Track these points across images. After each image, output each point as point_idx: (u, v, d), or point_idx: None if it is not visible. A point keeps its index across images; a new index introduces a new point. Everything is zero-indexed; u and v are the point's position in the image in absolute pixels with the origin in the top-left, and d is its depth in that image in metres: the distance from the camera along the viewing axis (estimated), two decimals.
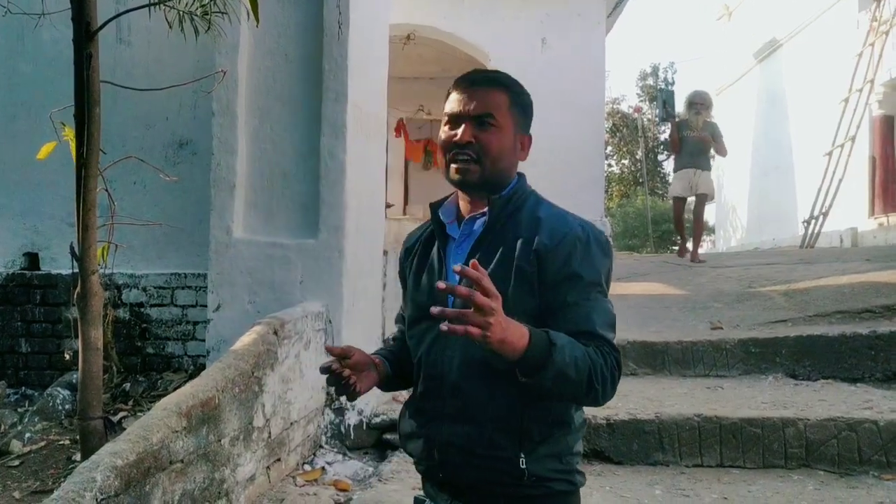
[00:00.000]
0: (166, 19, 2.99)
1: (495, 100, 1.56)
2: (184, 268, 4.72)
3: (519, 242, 1.50)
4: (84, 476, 2.10)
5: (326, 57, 3.99)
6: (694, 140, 8.43)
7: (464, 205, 1.62)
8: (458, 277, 1.37)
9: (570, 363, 1.32)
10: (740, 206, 17.67)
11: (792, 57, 14.88)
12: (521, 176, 1.64)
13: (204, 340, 4.21)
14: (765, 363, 4.40)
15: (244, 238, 4.02)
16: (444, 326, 1.20)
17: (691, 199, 9.00)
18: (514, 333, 1.27)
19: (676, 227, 9.59)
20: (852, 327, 4.50)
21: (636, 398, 3.88)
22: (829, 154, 11.94)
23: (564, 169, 8.73)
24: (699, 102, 8.65)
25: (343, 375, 1.48)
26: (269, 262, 3.99)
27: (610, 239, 1.62)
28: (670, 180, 8.86)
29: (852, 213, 12.26)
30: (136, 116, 4.89)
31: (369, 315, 4.37)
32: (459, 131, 1.54)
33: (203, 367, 4.38)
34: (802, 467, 3.41)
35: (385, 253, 4.65)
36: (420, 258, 1.67)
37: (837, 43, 13.00)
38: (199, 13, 2.69)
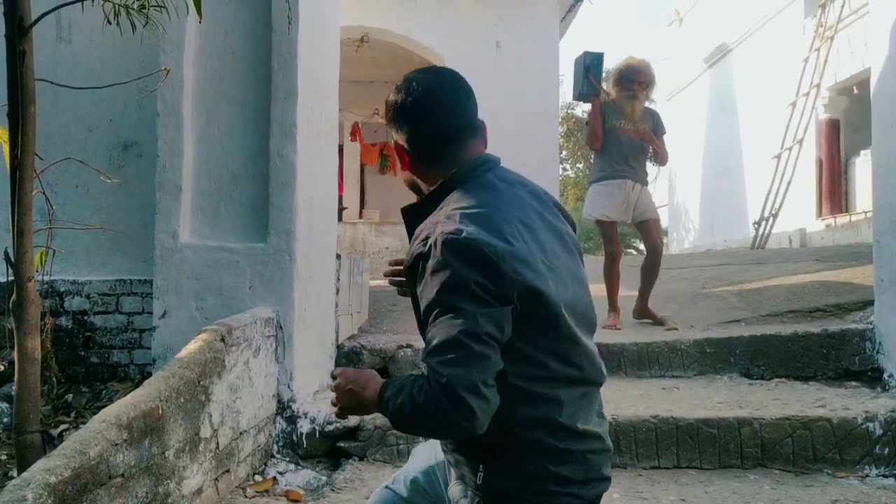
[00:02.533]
0: (104, 13, 2.87)
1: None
2: (129, 274, 4.55)
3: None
4: (14, 495, 1.97)
5: (275, 56, 3.89)
6: (629, 136, 5.30)
7: None
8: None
9: (395, 411, 1.44)
10: (692, 209, 17.93)
11: (741, 62, 15.15)
12: (448, 180, 1.65)
13: (150, 349, 4.07)
14: (720, 363, 4.41)
15: (191, 242, 3.90)
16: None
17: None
18: (366, 392, 1.54)
19: (609, 274, 5.36)
20: (804, 326, 4.54)
21: None
22: (778, 157, 12.18)
23: (519, 171, 8.72)
24: (639, 80, 5.30)
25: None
26: (216, 267, 3.87)
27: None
28: (589, 192, 5.65)
29: (801, 215, 12.51)
30: (79, 118, 4.71)
31: (322, 321, 4.27)
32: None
33: (150, 376, 4.23)
34: (758, 467, 3.41)
35: (338, 257, 4.56)
36: None
37: (784, 48, 13.26)
38: (135, 6, 2.58)
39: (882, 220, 4.19)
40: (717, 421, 3.49)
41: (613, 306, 5.32)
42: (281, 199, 3.87)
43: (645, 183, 5.45)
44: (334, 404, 1.62)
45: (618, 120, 5.35)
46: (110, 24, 2.88)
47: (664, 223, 21.30)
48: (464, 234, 1.44)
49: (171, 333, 3.86)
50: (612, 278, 5.33)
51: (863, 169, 12.06)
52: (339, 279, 4.55)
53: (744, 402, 3.75)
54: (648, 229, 5.44)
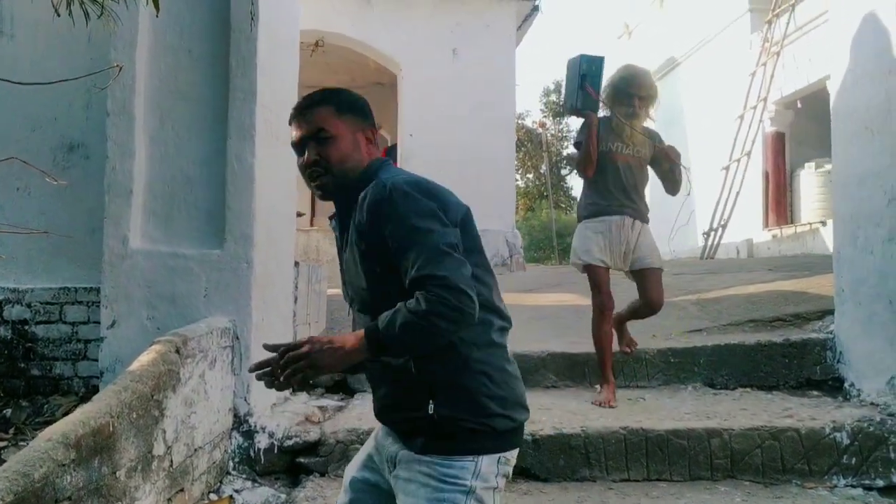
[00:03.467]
0: (53, 5, 2.69)
1: (321, 115, 1.78)
2: (74, 281, 4.32)
3: (352, 224, 1.72)
4: None
5: (234, 54, 3.73)
6: (627, 162, 4.17)
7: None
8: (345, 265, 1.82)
9: (401, 333, 1.52)
10: None
11: (690, 75, 15.41)
12: (371, 162, 1.81)
13: (97, 360, 3.85)
14: (684, 373, 4.39)
15: (142, 248, 3.70)
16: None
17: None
18: (349, 342, 1.57)
19: (598, 333, 4.13)
20: (766, 335, 4.55)
21: (559, 412, 3.77)
22: (727, 168, 12.38)
23: (475, 180, 8.66)
24: (640, 94, 4.16)
25: (276, 378, 1.63)
26: (170, 274, 3.68)
27: (414, 180, 1.71)
28: (577, 230, 4.34)
29: (748, 226, 12.74)
30: (22, 117, 4.46)
31: (280, 330, 4.10)
32: (305, 153, 1.78)
33: (96, 389, 4.01)
34: (728, 478, 3.37)
35: (296, 264, 4.40)
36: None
37: (732, 62, 13.53)
38: None
39: (842, 231, 4.23)
40: (686, 432, 3.44)
41: (606, 378, 4.06)
42: (238, 203, 3.70)
43: (646, 220, 4.23)
44: (297, 372, 1.58)
45: (614, 142, 4.16)
46: (59, 15, 2.70)
47: None
48: (415, 178, 1.73)
49: (121, 344, 3.65)
50: (602, 339, 4.09)
51: (807, 181, 12.36)
52: (297, 287, 4.39)
53: (711, 413, 3.72)
54: (649, 281, 4.16)
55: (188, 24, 3.80)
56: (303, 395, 4.24)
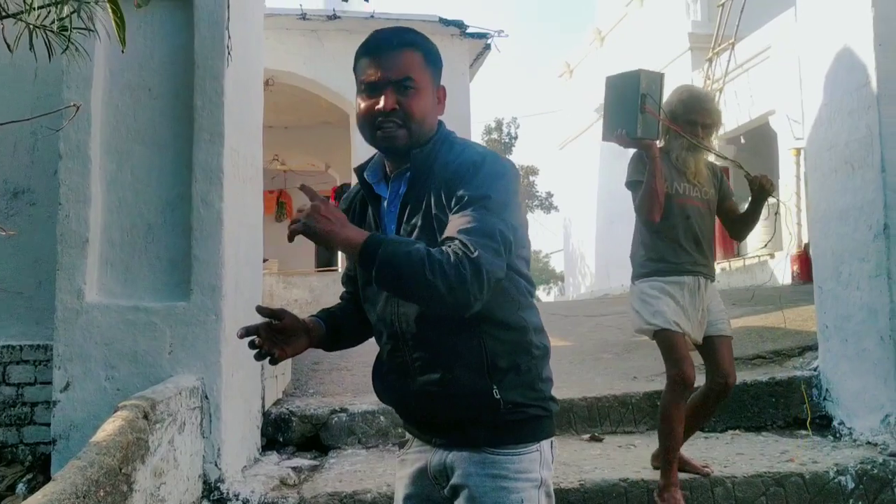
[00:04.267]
0: (4, 40, 2.43)
1: (411, 61, 1.59)
2: (19, 339, 3.95)
3: (433, 193, 1.56)
4: None
5: (199, 93, 3.49)
6: (697, 206, 3.39)
7: (391, 164, 1.67)
8: (393, 234, 1.60)
9: (401, 255, 1.38)
10: (588, 254, 18.27)
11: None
12: (440, 124, 1.68)
13: (46, 425, 3.51)
14: None
15: (99, 302, 3.39)
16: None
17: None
18: (353, 233, 1.43)
19: (674, 413, 3.26)
20: (750, 374, 4.47)
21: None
22: None
23: None
24: (704, 121, 3.41)
25: (261, 346, 1.58)
26: (130, 329, 3.38)
27: (513, 165, 1.62)
28: (637, 290, 3.44)
29: None
30: None
31: (249, 386, 3.83)
32: (381, 99, 1.56)
33: (45, 457, 3.67)
34: None
35: None
36: (358, 220, 1.70)
37: None
38: (55, 28, 2.17)
39: (823, 266, 4.18)
40: (688, 482, 3.29)
41: (670, 479, 3.18)
42: (205, 251, 3.44)
43: (713, 275, 3.47)
44: (297, 220, 1.44)
45: (680, 182, 3.35)
46: (12, 52, 2.44)
47: (559, 266, 21.61)
48: (510, 162, 1.62)
49: (76, 408, 3.32)
50: (675, 423, 3.23)
51: None
52: None
53: (708, 459, 3.58)
54: (721, 352, 3.35)
55: (148, 61, 3.56)
56: (274, 456, 3.95)
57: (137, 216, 3.49)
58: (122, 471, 2.59)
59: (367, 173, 1.70)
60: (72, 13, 2.18)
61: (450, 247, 1.42)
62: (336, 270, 12.24)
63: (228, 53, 3.35)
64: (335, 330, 1.76)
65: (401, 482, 1.72)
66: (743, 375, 4.46)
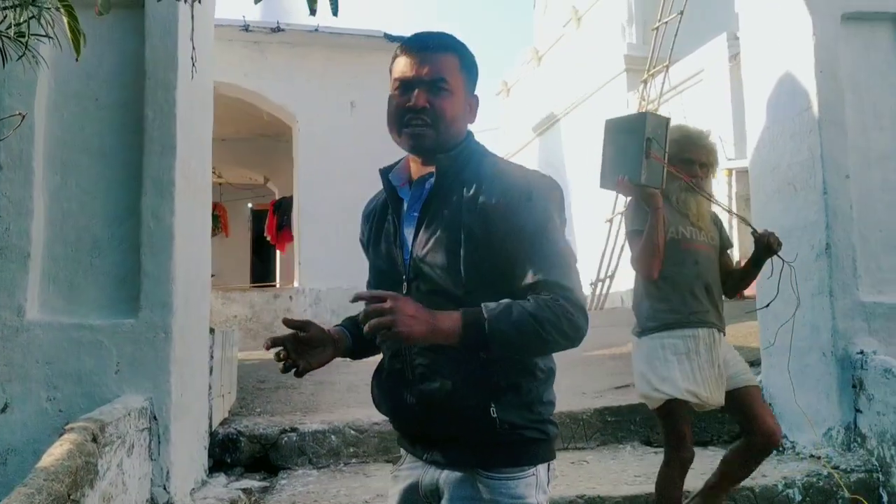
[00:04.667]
0: None
1: (447, 63, 1.59)
2: None
3: (464, 202, 1.53)
4: None
5: (150, 103, 3.39)
6: (705, 251, 3.12)
7: (415, 167, 1.66)
8: (410, 239, 1.58)
9: (509, 329, 1.38)
10: None
11: (569, 131, 15.94)
12: (469, 134, 1.66)
13: None
14: (621, 432, 4.31)
15: (41, 320, 3.24)
16: (365, 328, 1.34)
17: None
18: (443, 322, 1.38)
19: (671, 489, 3.06)
20: None
21: None
22: (610, 221, 12.78)
23: None
24: (703, 160, 3.17)
25: (288, 358, 1.57)
26: (74, 348, 3.24)
27: (559, 186, 1.59)
28: (643, 348, 3.06)
29: (630, 276, 13.14)
30: None
31: (197, 406, 3.71)
32: (413, 96, 1.56)
33: None
34: None
35: (212, 331, 4.03)
36: (377, 224, 1.70)
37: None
38: (12, 34, 2.07)
39: (766, 283, 4.30)
40: (644, 497, 3.33)
41: None
42: (156, 266, 3.33)
43: (723, 327, 3.11)
44: (380, 327, 1.33)
45: (685, 226, 3.06)
46: None
47: None
48: (555, 184, 1.60)
49: (14, 431, 3.16)
50: (671, 500, 3.05)
51: None
52: (212, 356, 4.01)
53: None
54: (754, 403, 3.03)
55: (95, 70, 3.44)
56: (222, 478, 3.84)
57: (83, 230, 3.36)
58: (71, 497, 2.47)
59: (392, 175, 1.68)
60: (31, 18, 2.09)
61: (548, 298, 1.43)
62: (273, 286, 12.04)
63: (193, 65, 3.28)
64: (360, 338, 1.69)
65: (392, 499, 1.68)
66: None
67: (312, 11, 2.37)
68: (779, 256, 3.06)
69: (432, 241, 1.54)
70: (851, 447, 3.68)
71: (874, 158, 3.91)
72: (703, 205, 3.12)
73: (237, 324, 7.76)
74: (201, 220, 3.90)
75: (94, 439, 2.72)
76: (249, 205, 14.23)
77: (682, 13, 11.97)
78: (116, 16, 3.45)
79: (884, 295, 3.89)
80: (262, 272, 14.36)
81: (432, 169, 1.59)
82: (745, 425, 3.07)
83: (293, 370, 1.59)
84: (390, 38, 8.58)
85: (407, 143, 1.60)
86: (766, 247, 3.05)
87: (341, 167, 8.45)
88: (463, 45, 1.65)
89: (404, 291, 1.56)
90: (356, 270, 8.54)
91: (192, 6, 3.10)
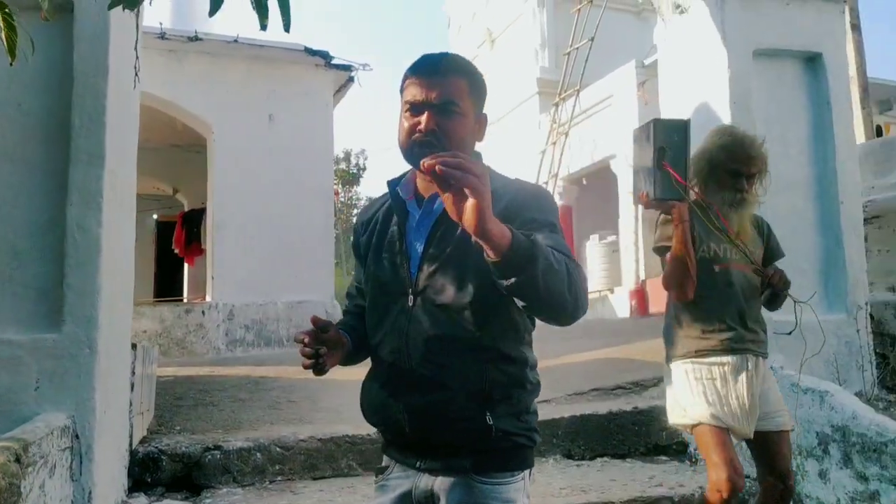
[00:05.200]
0: None
1: (456, 87, 1.62)
2: None
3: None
4: None
5: (78, 111, 3.28)
6: (742, 270, 2.90)
7: (422, 183, 1.69)
8: (420, 252, 1.63)
9: (549, 256, 1.38)
10: None
11: (482, 150, 16.18)
12: (477, 155, 1.68)
13: None
14: (544, 445, 4.39)
15: None
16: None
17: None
18: (498, 225, 1.33)
19: None
20: (614, 404, 4.73)
21: None
22: None
23: (293, 249, 8.41)
24: (751, 169, 2.86)
25: (319, 355, 1.58)
26: None
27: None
28: (672, 375, 2.92)
29: None
30: None
31: (118, 425, 3.59)
32: (423, 119, 1.59)
33: None
34: None
35: (133, 346, 3.90)
36: (379, 234, 1.73)
37: (524, 139, 14.46)
38: None
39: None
40: None
41: None
42: (80, 279, 3.21)
43: (765, 350, 2.92)
44: (457, 180, 1.29)
45: (718, 243, 2.84)
46: None
47: None
48: (549, 192, 1.76)
49: None
50: None
51: (592, 251, 13.37)
52: (134, 372, 3.89)
53: (586, 486, 3.75)
54: (776, 447, 2.86)
55: (18, 75, 3.29)
56: (142, 499, 3.71)
57: (2, 241, 3.21)
58: None
59: (401, 188, 1.72)
60: None
61: (569, 261, 1.44)
62: (181, 300, 11.70)
63: (136, 75, 3.21)
64: (357, 342, 1.75)
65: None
66: (608, 404, 4.73)
67: (263, 27, 2.36)
68: (789, 296, 2.93)
69: (443, 257, 1.60)
70: None
71: (783, 186, 4.17)
72: (745, 220, 2.86)
73: (147, 339, 7.52)
74: (127, 232, 3.79)
75: (18, 460, 2.60)
76: (155, 216, 13.78)
77: (592, 39, 12.42)
78: (31, 17, 3.33)
79: (789, 314, 4.13)
80: (167, 286, 13.91)
81: None
82: (761, 468, 2.91)
83: (317, 368, 1.60)
84: (311, 52, 8.55)
85: (415, 163, 1.62)
86: (771, 283, 2.88)
87: (258, 180, 8.34)
88: (471, 68, 1.70)
89: (410, 304, 1.62)
90: (271, 285, 8.43)
91: (137, 16, 3.03)
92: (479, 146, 1.71)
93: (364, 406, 1.75)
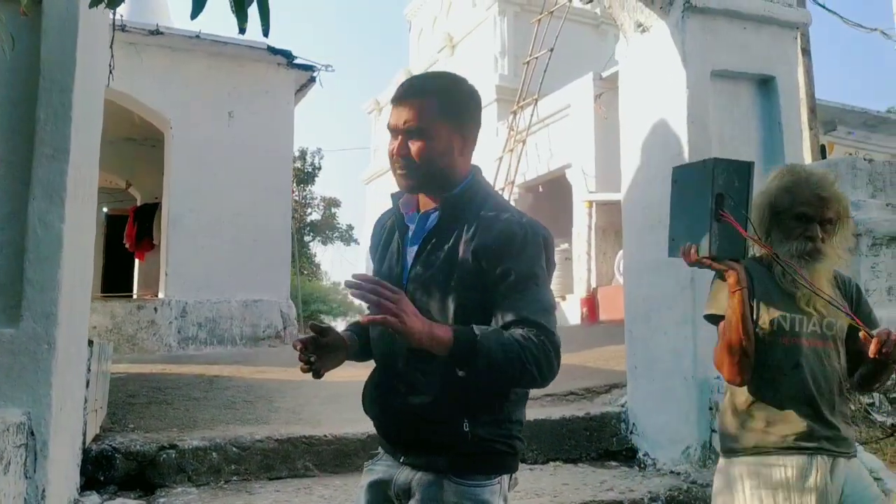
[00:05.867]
0: None
1: (424, 109, 1.69)
2: None
3: (463, 240, 1.67)
4: None
5: (43, 104, 3.24)
6: (813, 346, 2.21)
7: (423, 198, 1.78)
8: (410, 264, 1.73)
9: (497, 349, 1.50)
10: None
11: None
12: (474, 171, 1.78)
13: None
14: None
15: None
16: (365, 317, 1.49)
17: None
18: (438, 330, 1.51)
19: None
20: (566, 409, 4.83)
21: None
22: None
23: (249, 247, 8.37)
24: (825, 214, 2.24)
25: (311, 362, 1.69)
26: None
27: (550, 234, 1.73)
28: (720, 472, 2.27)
29: None
30: None
31: (73, 423, 3.55)
32: (396, 144, 1.71)
33: None
34: None
35: (90, 343, 3.86)
36: (385, 242, 1.85)
37: (481, 146, 14.56)
38: None
39: (634, 311, 4.66)
40: None
41: None
42: (41, 274, 3.18)
43: (854, 453, 2.27)
44: (387, 311, 1.46)
45: (789, 309, 2.26)
46: None
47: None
48: (547, 233, 1.72)
49: None
50: None
51: None
52: (89, 369, 3.85)
53: (539, 490, 3.84)
54: None
55: None
56: (94, 497, 3.68)
57: None
58: None
59: (402, 202, 1.81)
60: None
61: (533, 333, 1.55)
62: (129, 296, 11.52)
63: (111, 72, 3.17)
64: (366, 342, 1.85)
65: (362, 490, 1.83)
66: (561, 410, 4.83)
67: (242, 30, 2.38)
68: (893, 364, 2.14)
69: (428, 273, 1.69)
70: (707, 464, 4.04)
71: None
72: (821, 275, 2.24)
73: (97, 335, 7.38)
74: (88, 228, 3.76)
75: None
76: (105, 209, 13.53)
77: (552, 50, 12.62)
78: (6, 10, 3.30)
79: None
80: (114, 280, 13.66)
81: (437, 203, 1.75)
82: None
83: (313, 371, 1.70)
84: (273, 50, 8.52)
85: (398, 186, 1.76)
86: (880, 350, 2.03)
87: (215, 177, 8.28)
88: (444, 86, 1.76)
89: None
90: (225, 283, 8.36)
91: (114, 13, 3.01)
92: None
93: (364, 400, 1.84)
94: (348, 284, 1.53)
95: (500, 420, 1.69)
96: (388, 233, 1.85)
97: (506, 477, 1.73)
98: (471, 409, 1.65)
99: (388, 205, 1.91)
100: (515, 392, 1.72)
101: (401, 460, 1.74)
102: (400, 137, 1.70)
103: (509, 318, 1.58)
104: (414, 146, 1.69)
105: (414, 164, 1.69)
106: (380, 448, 1.86)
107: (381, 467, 1.80)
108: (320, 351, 1.71)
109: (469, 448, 1.65)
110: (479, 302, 1.63)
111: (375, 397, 1.78)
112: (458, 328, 1.54)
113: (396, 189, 1.83)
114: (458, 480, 1.65)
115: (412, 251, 1.75)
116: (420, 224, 1.76)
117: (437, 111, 1.70)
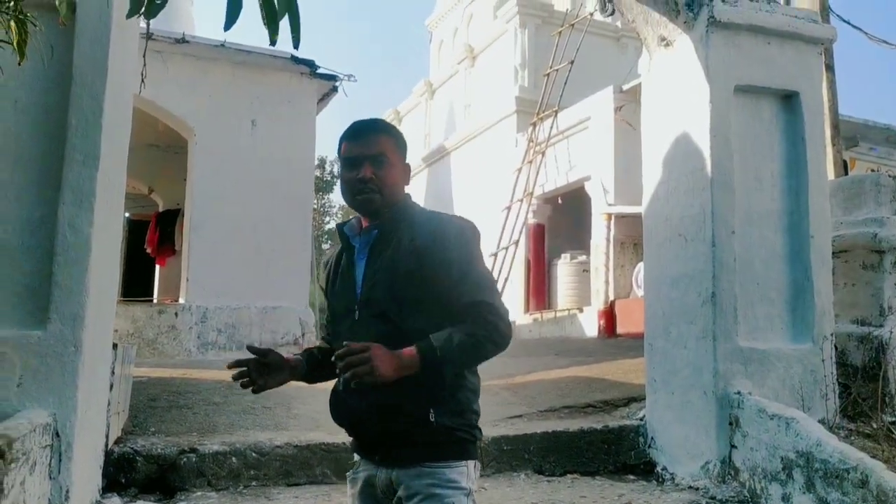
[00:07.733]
0: None
1: (385, 142, 2.00)
2: None
3: (402, 245, 1.93)
4: None
5: (75, 111, 3.32)
6: None
7: (365, 222, 2.05)
8: (360, 276, 1.98)
9: (456, 350, 1.79)
10: None
11: (459, 165, 16.35)
12: (407, 195, 2.07)
13: None
14: (516, 460, 4.48)
15: None
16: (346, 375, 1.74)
17: None
18: (405, 359, 1.78)
19: None
20: (584, 422, 4.82)
21: None
22: (495, 255, 13.16)
23: (268, 255, 8.42)
24: None
25: (246, 377, 1.97)
26: None
27: (475, 226, 2.01)
28: None
29: (512, 309, 13.58)
30: None
31: (97, 425, 3.59)
32: (362, 170, 1.96)
33: None
34: None
35: (114, 346, 3.91)
36: (335, 269, 2.10)
37: (499, 156, 14.60)
38: None
39: (654, 325, 4.65)
40: None
41: None
42: (69, 277, 3.24)
43: None
44: (357, 375, 1.72)
45: None
46: None
47: None
48: (474, 225, 2.00)
49: None
50: None
51: (562, 270, 13.51)
52: (113, 372, 3.89)
53: (556, 501, 3.83)
54: None
55: (16, 70, 3.30)
56: (116, 499, 3.71)
57: None
58: None
59: (346, 228, 2.09)
60: None
61: (472, 315, 1.84)
62: (150, 300, 11.60)
63: (143, 80, 3.22)
64: (314, 366, 2.10)
65: (352, 498, 2.02)
66: (579, 422, 4.82)
67: (273, 42, 2.41)
68: None
69: (377, 276, 1.94)
70: (726, 479, 4.02)
71: (755, 217, 4.33)
72: None
73: (118, 338, 7.46)
74: (115, 232, 3.81)
75: (2, 455, 2.62)
76: (127, 214, 13.66)
77: (572, 62, 12.63)
78: (42, 17, 3.36)
79: (757, 341, 4.28)
80: (135, 285, 13.78)
81: (378, 221, 2.00)
82: None
83: (252, 387, 1.97)
84: (296, 60, 8.59)
85: (359, 208, 2.00)
86: None
87: (237, 185, 8.35)
88: (393, 128, 2.11)
89: (356, 317, 1.96)
90: (245, 290, 8.41)
91: (148, 24, 3.07)
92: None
93: (332, 410, 2.03)
94: (229, 366, 1.97)
95: (462, 410, 1.91)
96: (336, 261, 2.09)
97: (471, 464, 1.92)
98: (436, 401, 1.86)
99: None
100: (472, 383, 1.95)
101: (376, 460, 1.93)
102: (366, 164, 1.95)
103: (459, 301, 1.85)
104: (380, 171, 1.96)
105: (380, 186, 1.95)
106: (355, 455, 2.03)
107: (363, 474, 1.98)
108: (262, 368, 1.96)
109: (437, 437, 1.85)
110: (423, 290, 1.87)
111: (346, 402, 1.94)
112: (420, 345, 1.78)
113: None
114: (433, 465, 1.85)
115: (362, 264, 1.99)
116: (364, 240, 2.01)
117: (394, 145, 2.02)
